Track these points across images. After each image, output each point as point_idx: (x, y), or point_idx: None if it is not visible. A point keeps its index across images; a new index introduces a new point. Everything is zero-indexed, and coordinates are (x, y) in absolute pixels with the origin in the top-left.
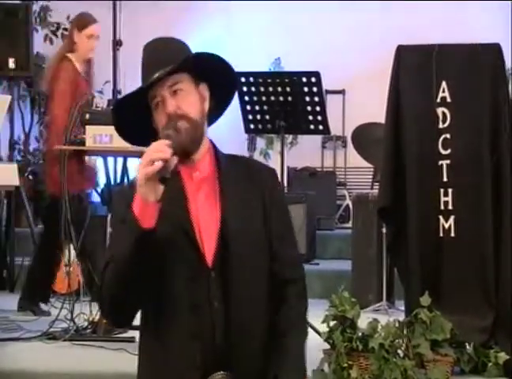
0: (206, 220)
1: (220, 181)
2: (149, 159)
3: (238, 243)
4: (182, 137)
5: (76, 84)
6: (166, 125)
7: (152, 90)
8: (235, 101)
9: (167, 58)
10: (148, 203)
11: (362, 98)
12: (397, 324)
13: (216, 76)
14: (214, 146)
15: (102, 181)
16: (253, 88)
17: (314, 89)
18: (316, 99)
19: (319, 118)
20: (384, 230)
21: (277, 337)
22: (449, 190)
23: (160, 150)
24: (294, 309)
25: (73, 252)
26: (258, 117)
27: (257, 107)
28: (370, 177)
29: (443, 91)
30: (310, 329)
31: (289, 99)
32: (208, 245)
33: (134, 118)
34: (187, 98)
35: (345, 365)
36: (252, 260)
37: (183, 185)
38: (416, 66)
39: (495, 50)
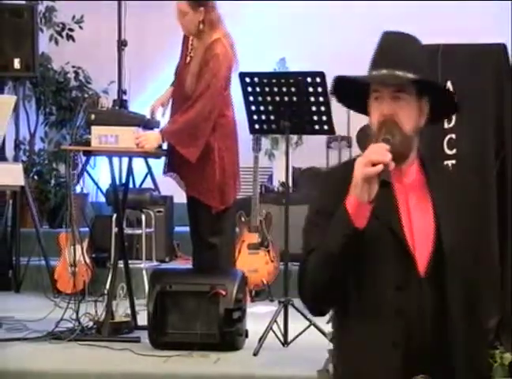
0: (419, 226)
1: (429, 187)
2: (369, 160)
3: (453, 255)
4: (397, 145)
5: None
6: (383, 128)
7: (376, 82)
8: (240, 101)
9: (403, 61)
10: (363, 203)
11: None
12: None
13: (438, 95)
14: (419, 153)
15: (107, 181)
16: (258, 89)
17: (319, 89)
18: (321, 99)
19: (324, 118)
20: None
21: None
22: None
23: (382, 153)
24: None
25: (78, 252)
26: (263, 117)
27: (262, 108)
28: None
29: None
30: (315, 329)
31: (294, 99)
32: (421, 253)
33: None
34: (406, 108)
35: None
36: (463, 274)
37: (393, 189)
38: None
39: (500, 50)
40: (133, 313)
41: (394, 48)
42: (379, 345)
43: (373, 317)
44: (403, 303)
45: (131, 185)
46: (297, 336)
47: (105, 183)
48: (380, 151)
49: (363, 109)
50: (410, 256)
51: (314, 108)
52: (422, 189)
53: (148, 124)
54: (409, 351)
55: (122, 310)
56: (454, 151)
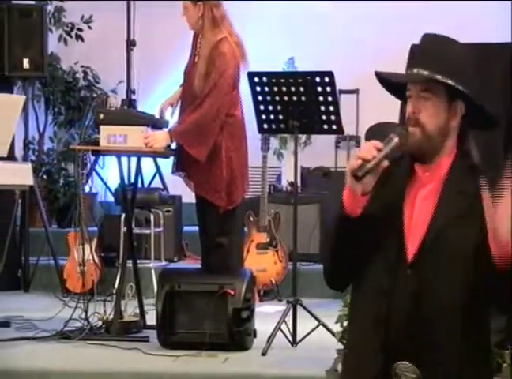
0: (419, 216)
1: (446, 182)
2: (355, 155)
3: (440, 250)
4: (408, 144)
5: None
6: (403, 125)
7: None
8: (249, 101)
9: (433, 61)
10: (356, 194)
11: (375, 97)
12: None
13: (472, 101)
14: (461, 155)
15: (116, 181)
16: (266, 88)
17: (328, 89)
18: (330, 98)
19: (333, 117)
20: None
21: None
22: None
23: (367, 151)
24: None
25: (87, 252)
26: (272, 117)
27: (270, 107)
28: None
29: None
30: (324, 329)
31: (303, 98)
32: (413, 242)
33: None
34: (431, 108)
35: None
36: (449, 271)
37: (408, 181)
38: None
39: (508, 49)
40: (142, 313)
41: (429, 50)
42: (363, 319)
43: (360, 294)
44: (388, 285)
45: (140, 185)
46: (306, 336)
47: (114, 183)
48: (367, 149)
49: None
50: (402, 242)
51: (322, 108)
52: (438, 183)
53: (156, 124)
54: (390, 332)
55: (130, 310)
56: None
